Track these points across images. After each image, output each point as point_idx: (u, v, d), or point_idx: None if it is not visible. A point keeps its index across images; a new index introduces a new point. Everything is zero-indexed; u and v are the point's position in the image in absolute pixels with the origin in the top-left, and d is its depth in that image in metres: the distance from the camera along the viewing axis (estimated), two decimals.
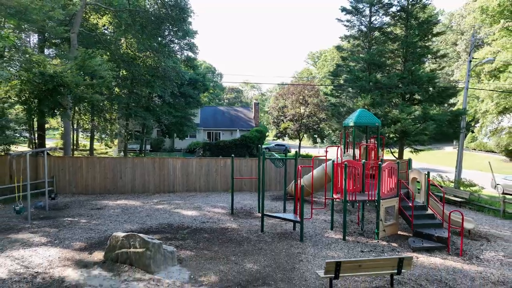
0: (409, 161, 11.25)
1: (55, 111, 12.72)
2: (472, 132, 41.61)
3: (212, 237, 9.54)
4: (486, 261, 8.20)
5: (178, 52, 27.88)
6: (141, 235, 7.46)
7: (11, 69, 10.41)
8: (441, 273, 7.40)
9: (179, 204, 13.74)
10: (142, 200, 14.52)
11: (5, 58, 9.99)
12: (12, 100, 11.57)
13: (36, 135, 23.21)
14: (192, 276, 6.99)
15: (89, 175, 15.76)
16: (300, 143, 43.77)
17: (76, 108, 17.39)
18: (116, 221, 11.08)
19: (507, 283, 6.94)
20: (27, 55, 10.99)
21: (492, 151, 39.20)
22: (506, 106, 28.27)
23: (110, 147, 41.07)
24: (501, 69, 31.53)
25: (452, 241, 9.17)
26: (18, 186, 12.16)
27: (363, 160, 10.40)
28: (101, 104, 17.97)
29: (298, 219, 9.38)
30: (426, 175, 10.07)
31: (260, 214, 10.56)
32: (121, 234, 7.70)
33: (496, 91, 27.48)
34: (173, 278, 6.87)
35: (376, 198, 9.36)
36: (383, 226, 9.36)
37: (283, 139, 54.34)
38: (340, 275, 6.24)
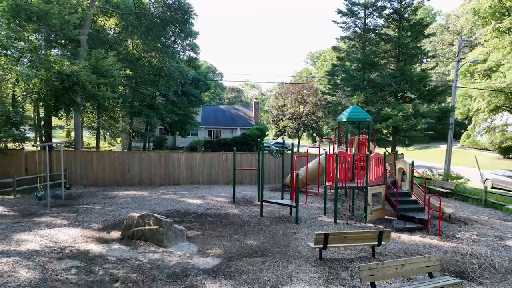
0: (396, 153, 12.26)
1: (70, 107, 13.73)
2: (466, 130, 42.59)
3: (216, 221, 10.56)
4: (461, 239, 9.21)
5: (180, 53, 28.92)
6: (154, 214, 8.48)
7: (32, 69, 11.38)
8: (418, 247, 8.42)
9: (184, 194, 14.77)
10: (149, 191, 15.53)
11: (26, 59, 10.98)
12: (33, 97, 12.56)
13: (43, 132, 24.23)
14: (200, 249, 8.00)
15: (99, 168, 16.77)
16: (299, 142, 44.74)
17: (83, 106, 18.26)
18: (127, 207, 12.09)
19: (474, 255, 7.96)
20: (46, 56, 12.00)
21: (487, 149, 40.22)
22: (498, 105, 29.21)
23: (114, 145, 42.05)
24: (494, 69, 32.52)
25: (434, 223, 10.17)
26: (39, 176, 13.20)
27: (354, 152, 11.41)
28: (109, 102, 18.95)
29: (294, 204, 10.40)
30: (410, 165, 11.09)
31: (259, 202, 11.57)
32: (136, 214, 8.72)
33: (486, 89, 28.42)
34: (183, 251, 7.88)
35: (364, 185, 10.37)
36: (370, 210, 10.36)
37: (283, 138, 55.34)
38: (328, 245, 7.26)
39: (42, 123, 23.11)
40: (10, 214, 10.88)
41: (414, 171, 11.41)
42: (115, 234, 9.02)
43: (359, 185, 10.54)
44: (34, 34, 11.62)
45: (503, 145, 35.84)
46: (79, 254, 7.51)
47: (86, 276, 6.39)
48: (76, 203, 12.85)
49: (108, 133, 31.48)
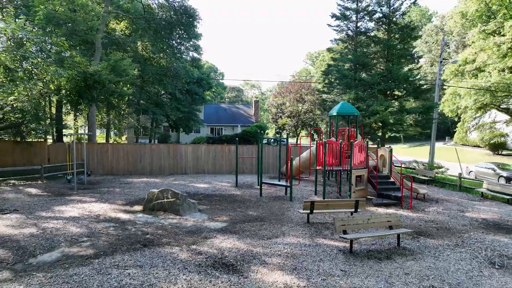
0: (378, 142, 13.99)
1: (91, 103, 15.45)
2: (456, 128, 44.27)
3: (222, 199, 12.30)
4: (428, 212, 10.96)
5: (184, 53, 30.65)
6: (171, 189, 10.22)
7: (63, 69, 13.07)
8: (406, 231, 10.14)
9: (192, 180, 16.51)
10: (160, 178, 17.27)
11: (56, 60, 12.67)
12: (61, 94, 14.29)
13: (54, 129, 25.97)
14: (209, 217, 9.74)
15: (114, 159, 18.52)
16: (297, 140, 46.49)
17: (100, 102, 19.94)
18: (143, 189, 13.83)
19: (435, 221, 9.70)
20: (72, 57, 13.73)
21: (478, 146, 41.93)
22: (484, 103, 30.90)
23: (119, 143, 43.84)
24: (482, 69, 34.24)
25: (408, 201, 11.90)
26: (69, 164, 15.01)
27: (341, 140, 13.15)
28: (119, 99, 20.60)
29: (289, 184, 12.14)
30: (389, 152, 12.82)
31: (259, 186, 13.30)
32: (156, 190, 10.46)
33: (471, 88, 30.10)
34: (196, 218, 9.61)
35: (349, 168, 12.10)
36: (354, 189, 12.09)
37: (280, 132, 57.08)
38: (314, 211, 9.00)
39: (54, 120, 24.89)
40: (44, 194, 12.62)
41: (393, 157, 13.14)
42: (138, 207, 10.75)
43: (344, 168, 12.27)
44: (61, 38, 13.28)
45: (491, 142, 37.58)
46: (112, 220, 9.24)
47: (122, 231, 8.12)
48: (97, 187, 14.60)
49: (115, 131, 33.23)
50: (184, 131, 34.53)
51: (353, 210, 9.21)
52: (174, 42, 25.38)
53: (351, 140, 12.20)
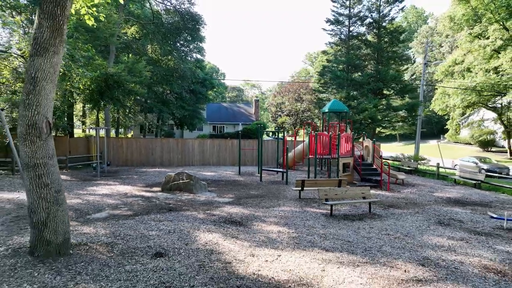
0: (364, 135, 15.94)
1: (110, 101, 17.41)
2: (445, 126, 46.20)
3: (227, 183, 14.26)
4: (403, 192, 12.91)
5: (189, 55, 32.60)
6: (186, 171, 12.17)
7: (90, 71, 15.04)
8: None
9: (200, 170, 18.47)
10: (170, 169, 19.21)
11: (84, 64, 14.61)
12: (86, 93, 16.25)
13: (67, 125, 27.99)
14: (218, 195, 11.69)
15: (128, 152, 20.48)
16: (295, 137, 48.42)
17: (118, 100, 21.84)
18: (157, 176, 15.78)
19: (406, 198, 11.65)
20: (94, 60, 15.68)
21: (469, 143, 43.85)
22: (471, 101, 32.84)
23: (132, 137, 45.85)
24: (471, 69, 36.19)
25: (389, 186, 13.84)
26: (94, 155, 17.00)
27: (331, 133, 15.10)
28: (130, 97, 22.48)
29: (285, 170, 14.10)
30: (373, 143, 14.77)
31: (259, 174, 15.25)
32: (172, 173, 12.41)
33: (455, 88, 32.09)
34: (207, 195, 11.56)
35: (336, 156, 14.06)
36: (341, 174, 14.04)
37: (278, 128, 59.02)
38: (305, 188, 10.95)
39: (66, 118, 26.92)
40: (73, 180, 14.58)
41: (375, 147, 15.11)
42: (156, 188, 12.70)
43: (333, 156, 14.22)
44: (88, 44, 15.22)
45: (480, 139, 39.50)
46: (138, 196, 11.20)
47: (149, 202, 10.07)
48: (117, 174, 16.56)
49: (121, 129, 35.19)
50: (188, 129, 36.46)
51: (336, 187, 11.15)
52: (179, 44, 27.32)
53: (338, 132, 14.15)
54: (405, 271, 5.38)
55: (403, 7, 24.60)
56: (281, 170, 14.53)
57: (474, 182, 14.73)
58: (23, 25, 14.12)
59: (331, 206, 8.94)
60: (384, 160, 16.97)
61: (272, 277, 4.96)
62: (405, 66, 26.36)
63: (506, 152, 36.27)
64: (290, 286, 4.70)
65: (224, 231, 7.22)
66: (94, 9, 6.35)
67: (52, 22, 4.93)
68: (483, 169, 23.28)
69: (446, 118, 47.96)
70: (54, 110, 15.23)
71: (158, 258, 5.45)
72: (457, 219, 9.02)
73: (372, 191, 12.82)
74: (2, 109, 18.15)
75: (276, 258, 5.74)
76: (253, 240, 6.70)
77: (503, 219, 8.19)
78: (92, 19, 6.37)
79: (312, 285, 4.77)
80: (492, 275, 5.37)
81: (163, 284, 4.54)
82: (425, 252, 6.32)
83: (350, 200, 9.41)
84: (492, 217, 8.61)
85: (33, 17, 17.06)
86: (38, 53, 4.92)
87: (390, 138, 64.86)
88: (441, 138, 54.27)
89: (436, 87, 32.84)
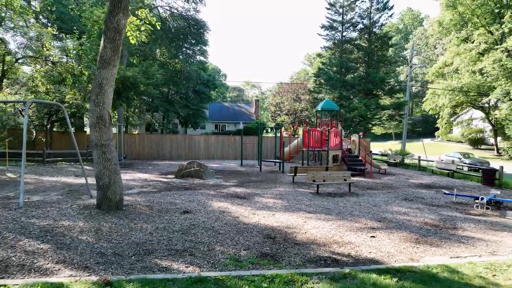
0: (351, 130, 18.01)
1: (126, 101, 19.49)
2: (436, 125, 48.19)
3: (231, 172, 16.34)
4: (382, 179, 14.98)
5: (193, 58, 34.69)
6: (196, 160, 14.25)
7: None
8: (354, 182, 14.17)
9: (205, 162, 20.40)
10: (179, 161, 21.26)
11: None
12: None
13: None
14: (224, 180, 13.77)
15: (140, 147, 22.55)
16: (291, 135, 50.52)
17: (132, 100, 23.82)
18: (169, 167, 17.86)
19: (383, 183, 13.72)
20: None
21: (461, 141, 45.89)
22: (459, 101, 34.88)
23: (144, 134, 47.99)
24: (459, 71, 38.23)
25: (371, 174, 15.90)
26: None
27: (322, 128, 17.17)
28: (140, 95, 24.41)
29: (281, 161, 16.17)
30: (358, 137, 16.85)
31: (259, 165, 17.33)
32: (184, 162, 14.48)
33: (442, 89, 34.13)
34: (215, 180, 13.64)
35: (326, 149, 16.13)
36: (331, 164, 16.10)
37: (277, 125, 61.16)
38: (297, 174, 13.02)
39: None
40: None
41: (361, 142, 17.18)
42: (170, 176, 14.77)
43: (323, 149, 16.29)
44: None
45: (470, 137, 41.53)
46: (157, 180, 13.27)
47: (168, 185, 12.14)
48: (132, 166, 18.64)
49: (128, 127, 37.29)
50: (192, 127, 38.53)
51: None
52: (185, 48, 29.40)
53: (328, 128, 16.22)
54: (364, 224, 7.45)
55: (391, 14, 26.66)
56: (278, 161, 16.61)
57: (447, 171, 16.79)
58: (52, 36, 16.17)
59: (318, 185, 11.02)
60: (373, 155, 19.02)
61: (268, 224, 7.04)
62: (397, 68, 28.39)
63: (494, 150, 38.29)
64: (280, 228, 6.78)
65: (231, 201, 9.30)
66: (137, 32, 8.39)
67: (113, 44, 7.00)
68: (465, 163, 25.40)
69: (437, 117, 50.01)
70: (78, 108, 17.30)
71: (186, 214, 7.53)
72: (420, 197, 11.09)
73: (356, 178, 14.92)
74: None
75: (271, 216, 7.82)
76: (254, 206, 8.77)
77: (453, 195, 10.26)
78: (135, 39, 8.42)
79: (296, 227, 6.85)
80: (427, 227, 7.43)
81: (193, 225, 6.62)
82: (384, 214, 8.40)
83: (333, 182, 11.49)
84: (445, 193, 10.68)
85: (56, 32, 19.11)
86: (103, 66, 6.99)
87: (386, 137, 67.02)
88: (436, 137, 56.38)
89: (428, 87, 34.82)
